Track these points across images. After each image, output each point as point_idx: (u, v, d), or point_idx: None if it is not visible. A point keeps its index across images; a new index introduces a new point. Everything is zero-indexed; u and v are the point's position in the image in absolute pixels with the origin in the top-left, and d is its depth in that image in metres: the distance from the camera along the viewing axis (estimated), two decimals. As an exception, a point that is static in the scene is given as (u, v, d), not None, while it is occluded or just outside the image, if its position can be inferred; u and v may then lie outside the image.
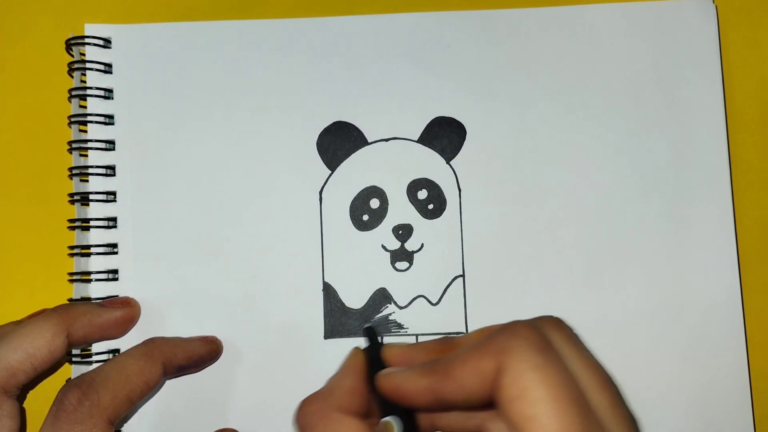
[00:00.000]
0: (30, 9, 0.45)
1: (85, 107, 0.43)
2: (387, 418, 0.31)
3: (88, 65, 0.43)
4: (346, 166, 0.43)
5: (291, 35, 0.44)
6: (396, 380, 0.30)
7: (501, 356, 0.27)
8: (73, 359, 0.41)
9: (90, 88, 0.43)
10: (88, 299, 0.42)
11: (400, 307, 0.42)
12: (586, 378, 0.27)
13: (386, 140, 0.43)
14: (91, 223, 0.42)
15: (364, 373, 0.32)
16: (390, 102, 0.43)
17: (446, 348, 0.32)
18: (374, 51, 0.44)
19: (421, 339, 0.41)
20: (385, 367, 0.32)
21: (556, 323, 0.29)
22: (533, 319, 0.29)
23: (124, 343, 0.41)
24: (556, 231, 0.42)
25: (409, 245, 0.42)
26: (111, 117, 0.43)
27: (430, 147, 0.43)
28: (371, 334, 0.35)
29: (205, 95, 0.43)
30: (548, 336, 0.28)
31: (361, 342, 0.35)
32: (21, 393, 0.37)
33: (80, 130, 0.43)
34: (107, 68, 0.43)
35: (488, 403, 0.28)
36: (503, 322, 0.29)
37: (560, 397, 0.25)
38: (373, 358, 0.33)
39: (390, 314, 0.42)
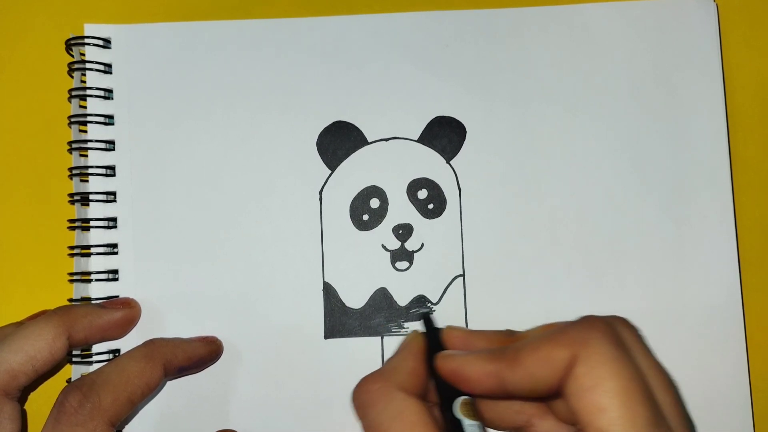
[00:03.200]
0: (30, 9, 0.45)
1: (85, 107, 0.43)
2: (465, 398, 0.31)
3: (88, 65, 0.43)
4: (346, 166, 0.43)
5: (291, 35, 0.44)
6: (459, 362, 0.30)
7: (577, 346, 0.27)
8: (74, 360, 0.41)
9: (90, 88, 0.43)
10: (88, 299, 0.42)
11: (400, 307, 0.42)
12: (652, 377, 0.28)
13: (386, 140, 0.43)
14: (91, 223, 0.42)
15: (424, 356, 0.32)
16: (390, 102, 0.43)
17: (508, 339, 0.32)
18: (374, 50, 0.44)
19: (421, 339, 0.42)
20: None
21: (624, 322, 0.30)
22: (604, 316, 0.29)
23: (125, 343, 0.41)
24: (556, 231, 0.42)
25: (409, 245, 0.42)
26: (111, 117, 0.43)
27: (430, 146, 0.43)
28: (428, 319, 0.35)
29: (205, 95, 0.43)
30: (620, 333, 0.28)
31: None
32: (22, 395, 0.37)
33: (80, 131, 0.43)
34: (107, 68, 0.43)
35: (549, 395, 0.28)
36: (543, 321, 0.30)
37: (633, 391, 0.26)
38: (433, 342, 0.33)
39: (390, 314, 0.42)
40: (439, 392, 0.31)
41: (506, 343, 0.30)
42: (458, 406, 0.30)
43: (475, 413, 0.30)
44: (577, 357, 0.27)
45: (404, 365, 0.32)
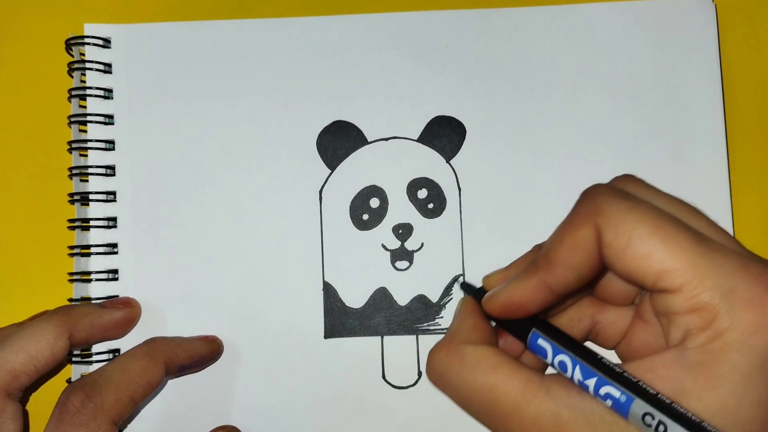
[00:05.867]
0: (30, 9, 0.45)
1: (84, 107, 0.43)
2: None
3: (87, 65, 0.43)
4: (345, 166, 0.43)
5: (291, 35, 0.44)
6: (504, 295, 0.30)
7: (593, 217, 0.27)
8: (74, 360, 0.41)
9: (90, 88, 0.43)
10: (89, 299, 0.42)
11: (401, 307, 0.42)
12: (675, 210, 0.28)
13: (386, 139, 0.43)
14: (91, 223, 0.42)
15: (480, 311, 0.32)
16: (390, 101, 0.43)
17: (536, 251, 0.31)
18: (374, 50, 0.44)
19: (421, 338, 0.42)
20: None
21: (626, 177, 0.30)
22: (601, 183, 0.29)
23: (125, 343, 0.41)
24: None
25: (409, 244, 0.42)
26: (111, 117, 0.43)
27: (429, 146, 0.43)
28: (465, 284, 0.35)
29: (205, 95, 0.43)
30: (625, 187, 0.28)
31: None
32: (23, 395, 0.37)
33: (80, 130, 0.43)
34: (107, 68, 0.43)
35: (596, 274, 0.28)
36: None
37: (664, 225, 0.26)
38: (480, 298, 0.32)
39: (390, 314, 0.42)
40: (515, 336, 0.31)
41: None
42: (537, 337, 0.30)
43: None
44: (599, 226, 0.27)
45: (463, 324, 0.31)
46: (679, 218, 0.27)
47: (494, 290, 0.31)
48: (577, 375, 0.27)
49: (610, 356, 0.33)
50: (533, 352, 0.30)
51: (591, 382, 0.26)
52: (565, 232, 0.28)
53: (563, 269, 0.28)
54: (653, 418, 0.24)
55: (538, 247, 0.33)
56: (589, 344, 0.32)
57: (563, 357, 0.28)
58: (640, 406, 0.25)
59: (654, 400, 0.25)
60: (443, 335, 0.41)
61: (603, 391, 0.26)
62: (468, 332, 0.30)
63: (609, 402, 0.26)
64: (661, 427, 0.24)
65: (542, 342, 0.29)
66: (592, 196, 0.28)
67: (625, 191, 0.28)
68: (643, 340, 0.31)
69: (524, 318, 0.30)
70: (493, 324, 0.32)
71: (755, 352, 0.24)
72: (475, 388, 0.28)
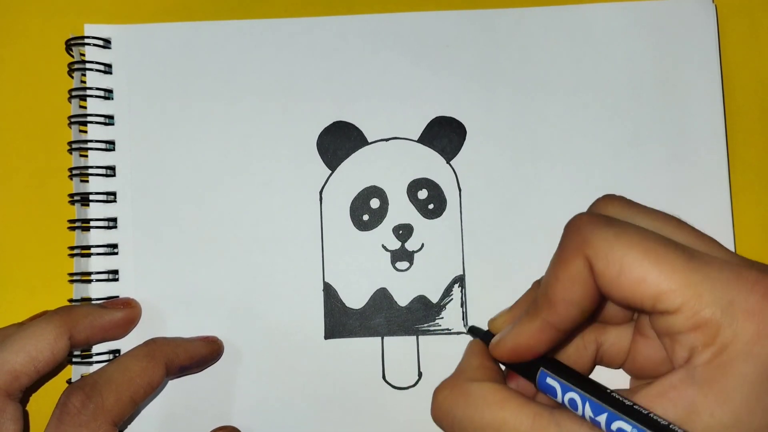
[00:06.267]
0: (30, 9, 0.45)
1: (85, 107, 0.43)
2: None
3: (88, 65, 0.43)
4: (346, 166, 0.43)
5: (291, 35, 0.44)
6: (510, 339, 0.30)
7: (582, 249, 0.27)
8: (74, 360, 0.41)
9: (90, 88, 0.43)
10: (89, 300, 0.42)
11: (401, 307, 0.42)
12: (660, 226, 0.28)
13: (386, 140, 0.43)
14: (91, 223, 0.42)
15: (487, 352, 0.32)
16: (390, 102, 0.43)
17: (536, 288, 0.31)
18: (374, 50, 0.44)
19: (421, 339, 0.42)
20: None
21: (606, 198, 0.30)
22: (583, 212, 0.29)
23: (125, 343, 0.41)
24: (556, 231, 0.42)
25: (410, 245, 0.42)
26: (111, 117, 0.43)
27: (430, 147, 0.43)
28: (473, 328, 0.35)
29: (205, 95, 0.43)
30: (608, 210, 0.29)
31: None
32: (24, 396, 0.37)
33: (80, 131, 0.43)
34: (107, 68, 0.43)
35: (596, 305, 0.28)
36: None
37: (653, 246, 0.26)
38: (489, 339, 0.32)
39: (390, 314, 0.42)
40: (524, 377, 0.31)
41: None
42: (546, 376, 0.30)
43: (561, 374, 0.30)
44: (589, 257, 0.27)
45: (469, 364, 0.31)
46: (666, 235, 0.27)
47: (500, 335, 0.31)
48: (588, 412, 0.27)
49: (619, 376, 0.34)
50: (543, 391, 0.30)
51: (602, 418, 0.26)
52: (558, 269, 0.28)
53: (564, 306, 0.28)
54: None
55: (537, 284, 0.33)
56: (597, 370, 0.33)
57: (572, 394, 0.28)
58: None
59: (666, 431, 0.25)
60: (444, 336, 0.41)
61: (615, 426, 0.26)
62: (473, 371, 0.30)
63: None
64: None
65: (551, 381, 0.29)
66: (576, 228, 0.28)
67: (607, 217, 0.28)
68: (646, 355, 0.31)
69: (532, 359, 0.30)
70: (503, 367, 0.32)
71: (761, 360, 0.24)
72: (482, 426, 0.28)
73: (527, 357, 0.30)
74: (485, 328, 0.34)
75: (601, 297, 0.28)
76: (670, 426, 0.25)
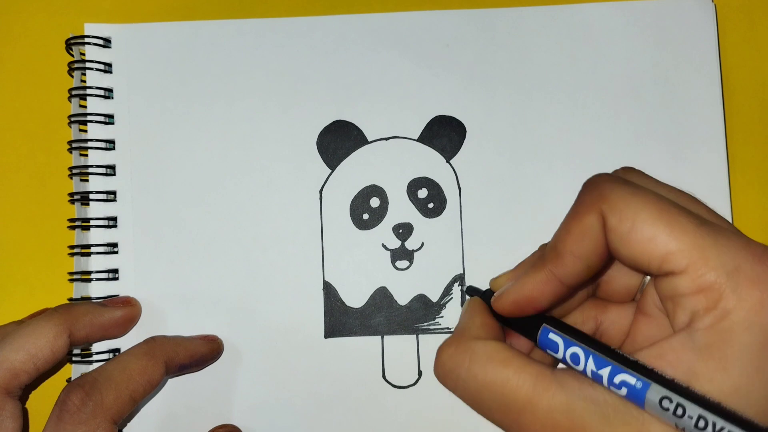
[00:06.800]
0: (30, 9, 0.45)
1: (85, 107, 0.43)
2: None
3: (88, 65, 0.43)
4: (346, 165, 0.43)
5: (291, 34, 0.44)
6: (513, 291, 0.30)
7: (598, 204, 0.27)
8: (74, 359, 0.41)
9: (90, 87, 0.43)
10: (89, 299, 0.42)
11: (401, 306, 0.42)
12: (676, 198, 0.28)
13: (386, 139, 0.43)
14: (92, 222, 0.42)
15: (488, 310, 0.32)
16: (390, 101, 0.43)
17: (542, 250, 0.31)
18: (374, 50, 0.44)
19: (421, 338, 0.42)
20: None
21: (625, 169, 0.30)
22: (603, 172, 0.30)
23: (125, 342, 0.41)
24: (556, 229, 0.42)
25: (410, 244, 0.42)
26: (111, 117, 0.43)
27: (430, 146, 0.43)
28: (471, 288, 0.35)
29: (205, 95, 0.43)
30: (626, 177, 0.29)
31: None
32: (23, 394, 0.37)
33: (80, 130, 0.43)
34: (107, 68, 0.43)
35: (603, 263, 0.28)
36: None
37: (667, 209, 0.26)
38: (488, 300, 0.32)
39: (390, 313, 0.42)
40: (524, 335, 0.31)
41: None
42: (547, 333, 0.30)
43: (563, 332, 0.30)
44: (603, 212, 0.27)
45: (472, 322, 0.31)
46: (682, 204, 0.27)
47: (503, 288, 0.31)
48: (591, 366, 0.27)
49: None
50: (543, 348, 0.30)
51: (605, 372, 0.26)
52: (572, 222, 0.28)
53: (572, 259, 0.28)
54: (671, 402, 0.24)
55: (543, 246, 0.33)
56: None
57: (576, 349, 0.28)
58: (656, 391, 0.25)
59: (670, 384, 0.25)
60: (444, 335, 0.41)
61: (618, 379, 0.26)
62: (477, 329, 0.30)
63: (624, 390, 0.26)
64: (680, 410, 0.24)
65: (553, 336, 0.29)
66: (595, 184, 0.28)
67: (626, 179, 0.28)
68: (647, 335, 0.31)
69: (533, 316, 0.30)
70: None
71: (763, 329, 0.24)
72: (486, 384, 0.28)
73: (530, 310, 0.30)
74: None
75: (608, 256, 0.28)
76: (675, 381, 0.25)
